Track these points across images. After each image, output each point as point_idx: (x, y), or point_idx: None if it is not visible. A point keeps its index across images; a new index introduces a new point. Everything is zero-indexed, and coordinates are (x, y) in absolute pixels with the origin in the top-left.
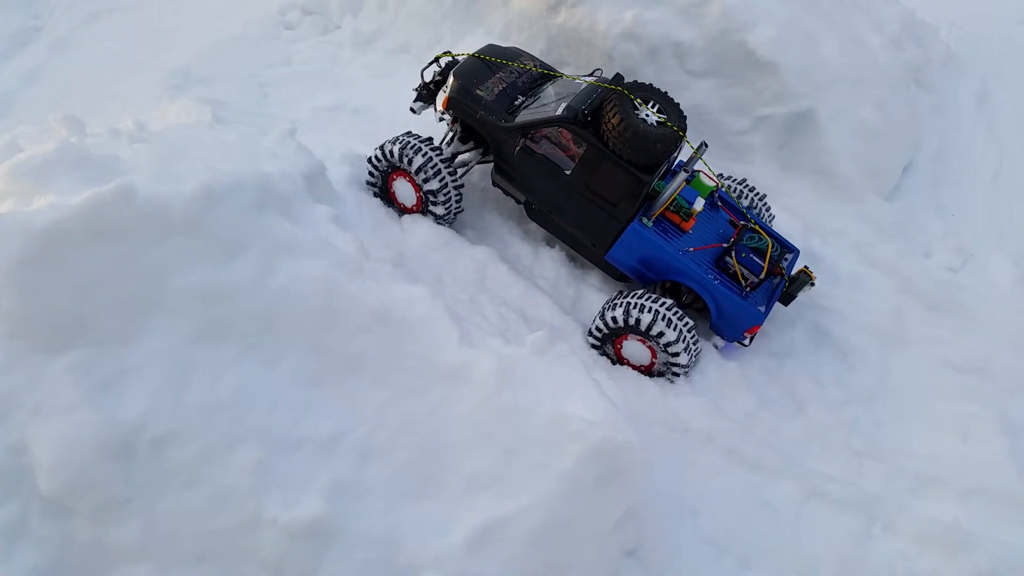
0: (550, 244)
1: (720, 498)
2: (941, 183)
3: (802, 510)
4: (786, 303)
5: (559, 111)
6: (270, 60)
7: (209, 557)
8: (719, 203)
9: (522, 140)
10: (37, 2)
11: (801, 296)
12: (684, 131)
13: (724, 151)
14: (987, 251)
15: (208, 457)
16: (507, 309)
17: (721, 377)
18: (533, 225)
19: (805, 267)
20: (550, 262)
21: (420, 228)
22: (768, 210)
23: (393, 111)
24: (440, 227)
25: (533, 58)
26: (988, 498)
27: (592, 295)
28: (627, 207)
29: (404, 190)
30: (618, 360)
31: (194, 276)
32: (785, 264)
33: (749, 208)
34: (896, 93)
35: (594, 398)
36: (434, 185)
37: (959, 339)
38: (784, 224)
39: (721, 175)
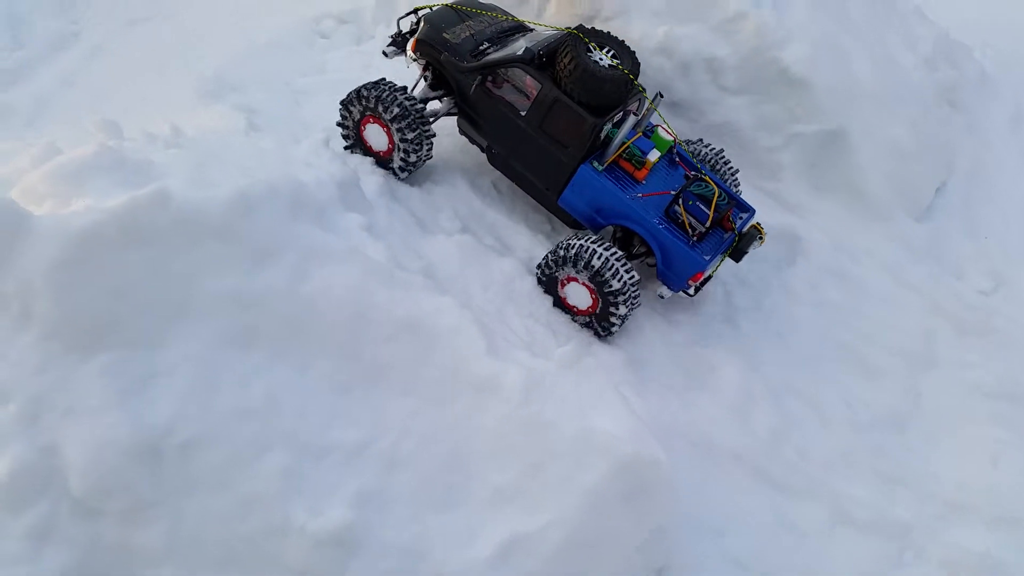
0: None
1: (746, 519)
2: (974, 205)
3: (830, 533)
4: (737, 259)
5: (518, 53)
6: (304, 68)
7: (234, 562)
8: (677, 159)
9: (479, 78)
10: (76, 8)
11: (751, 251)
12: (636, 76)
13: (755, 168)
14: (1020, 274)
15: (236, 462)
16: (534, 322)
17: (747, 394)
18: (561, 239)
19: (756, 223)
20: None
21: (449, 240)
22: (737, 185)
23: None
24: (468, 240)
25: (507, 13)
26: (1019, 526)
27: None
28: (577, 148)
29: (376, 136)
30: (560, 302)
31: (227, 281)
32: (739, 223)
33: (718, 176)
34: (929, 113)
35: (621, 413)
36: (409, 135)
37: (990, 363)
38: (814, 242)
39: (692, 141)
